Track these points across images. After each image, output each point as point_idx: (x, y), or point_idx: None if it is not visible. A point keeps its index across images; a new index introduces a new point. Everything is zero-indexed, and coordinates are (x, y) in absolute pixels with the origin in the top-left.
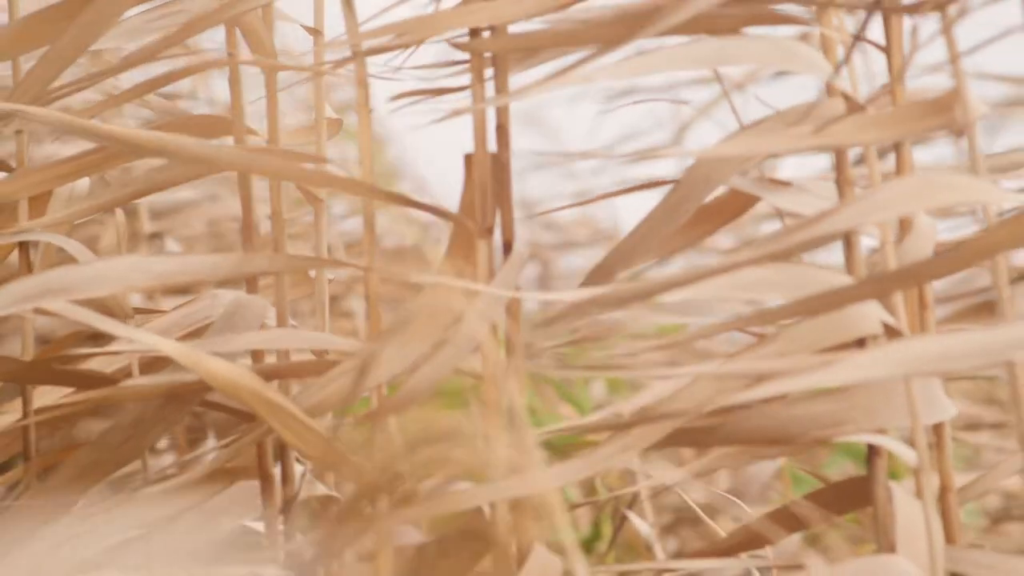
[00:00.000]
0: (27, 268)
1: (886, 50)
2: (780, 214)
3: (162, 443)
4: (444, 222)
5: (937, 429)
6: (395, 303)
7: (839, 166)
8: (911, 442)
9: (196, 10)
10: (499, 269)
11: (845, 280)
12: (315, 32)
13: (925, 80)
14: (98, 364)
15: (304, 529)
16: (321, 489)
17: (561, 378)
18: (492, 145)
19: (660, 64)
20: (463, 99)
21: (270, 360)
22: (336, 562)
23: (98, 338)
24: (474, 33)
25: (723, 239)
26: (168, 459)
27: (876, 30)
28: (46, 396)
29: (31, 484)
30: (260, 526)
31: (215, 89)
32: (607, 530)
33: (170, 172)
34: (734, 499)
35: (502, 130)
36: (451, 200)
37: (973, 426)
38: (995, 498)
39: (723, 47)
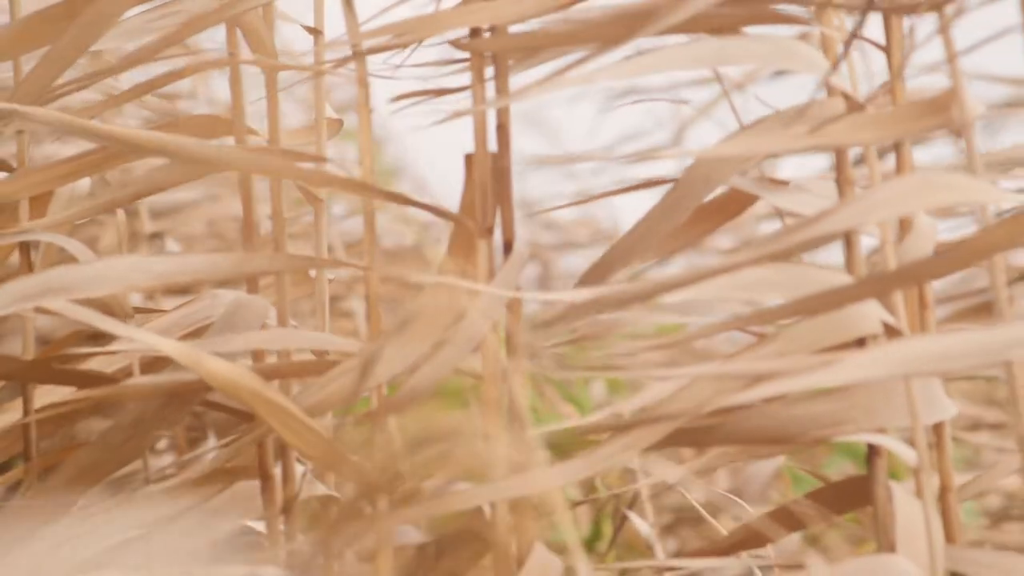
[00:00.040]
0: (28, 268)
1: (885, 49)
2: (780, 214)
3: (162, 443)
4: (444, 222)
5: (937, 429)
6: (395, 303)
7: (839, 166)
8: (911, 442)
9: (196, 10)
10: (499, 269)
11: (845, 280)
12: (315, 32)
13: (922, 80)
14: (98, 364)
15: (304, 529)
16: (321, 489)
17: (561, 378)
18: (492, 145)
19: (660, 64)
20: (463, 99)
21: (270, 360)
22: (336, 562)
23: (98, 338)
24: (474, 33)
25: (723, 239)
26: (168, 459)
27: (875, 30)
28: (46, 396)
29: (31, 484)
30: (260, 526)
31: (215, 89)
32: (607, 529)
33: (170, 172)
34: (734, 498)
35: (502, 130)
36: (451, 200)
37: (973, 426)
38: (995, 498)
39: (723, 47)
